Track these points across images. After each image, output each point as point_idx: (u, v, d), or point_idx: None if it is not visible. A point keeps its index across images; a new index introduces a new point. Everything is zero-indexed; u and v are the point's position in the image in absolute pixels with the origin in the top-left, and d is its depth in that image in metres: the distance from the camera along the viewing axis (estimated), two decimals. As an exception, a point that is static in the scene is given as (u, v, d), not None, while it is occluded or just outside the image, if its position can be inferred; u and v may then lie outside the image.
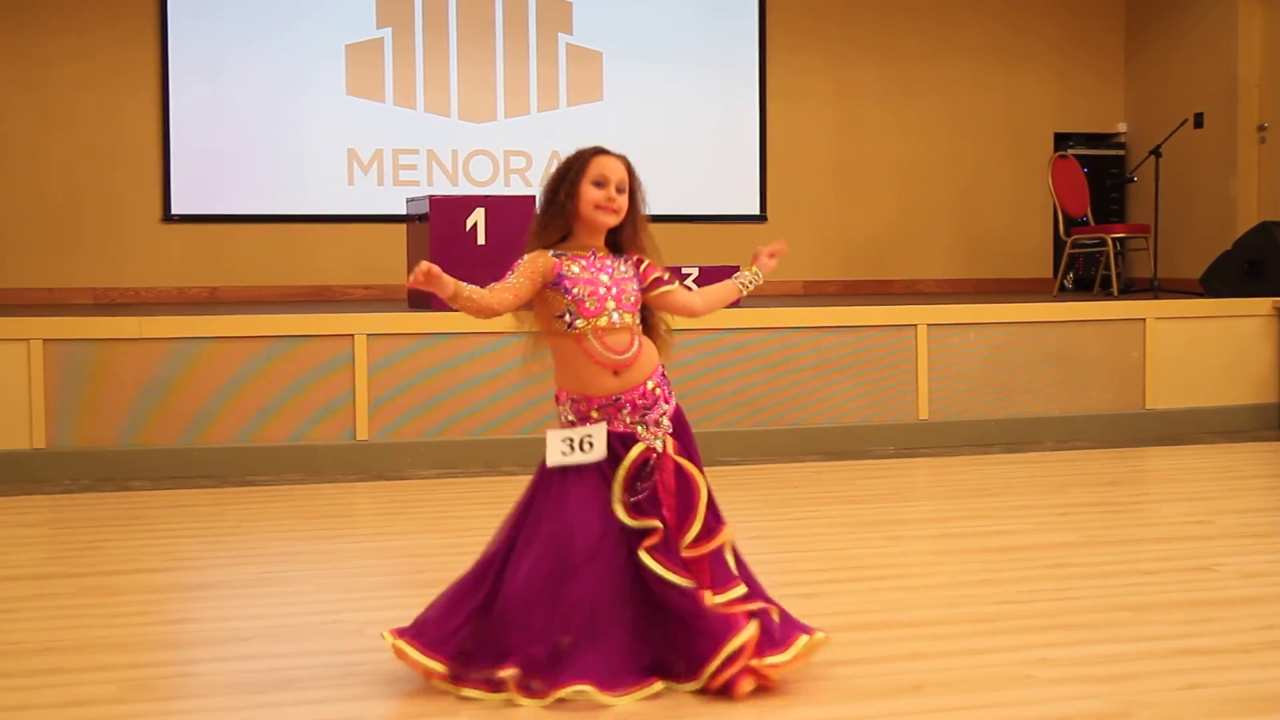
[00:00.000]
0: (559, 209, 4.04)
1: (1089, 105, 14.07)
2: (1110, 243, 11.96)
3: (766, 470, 8.23)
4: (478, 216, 8.81)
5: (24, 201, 11.42)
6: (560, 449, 3.96)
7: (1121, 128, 14.09)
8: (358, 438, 8.28)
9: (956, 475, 8.17)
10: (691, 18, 12.95)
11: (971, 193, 13.75)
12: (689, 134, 12.78)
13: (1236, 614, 4.79)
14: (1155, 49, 13.80)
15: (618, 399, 4.02)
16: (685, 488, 4.02)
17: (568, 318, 3.99)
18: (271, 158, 11.95)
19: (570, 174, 4.04)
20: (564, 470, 3.98)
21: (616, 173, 4.05)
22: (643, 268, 4.12)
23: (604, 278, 4.03)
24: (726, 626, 3.88)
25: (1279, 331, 9.96)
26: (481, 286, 3.99)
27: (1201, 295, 10.93)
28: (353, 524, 7.05)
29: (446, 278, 3.93)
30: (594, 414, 4.02)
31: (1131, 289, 12.46)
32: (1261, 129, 12.79)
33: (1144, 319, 9.70)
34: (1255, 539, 6.14)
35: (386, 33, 12.22)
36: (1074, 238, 12.19)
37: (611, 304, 4.02)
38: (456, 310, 4.01)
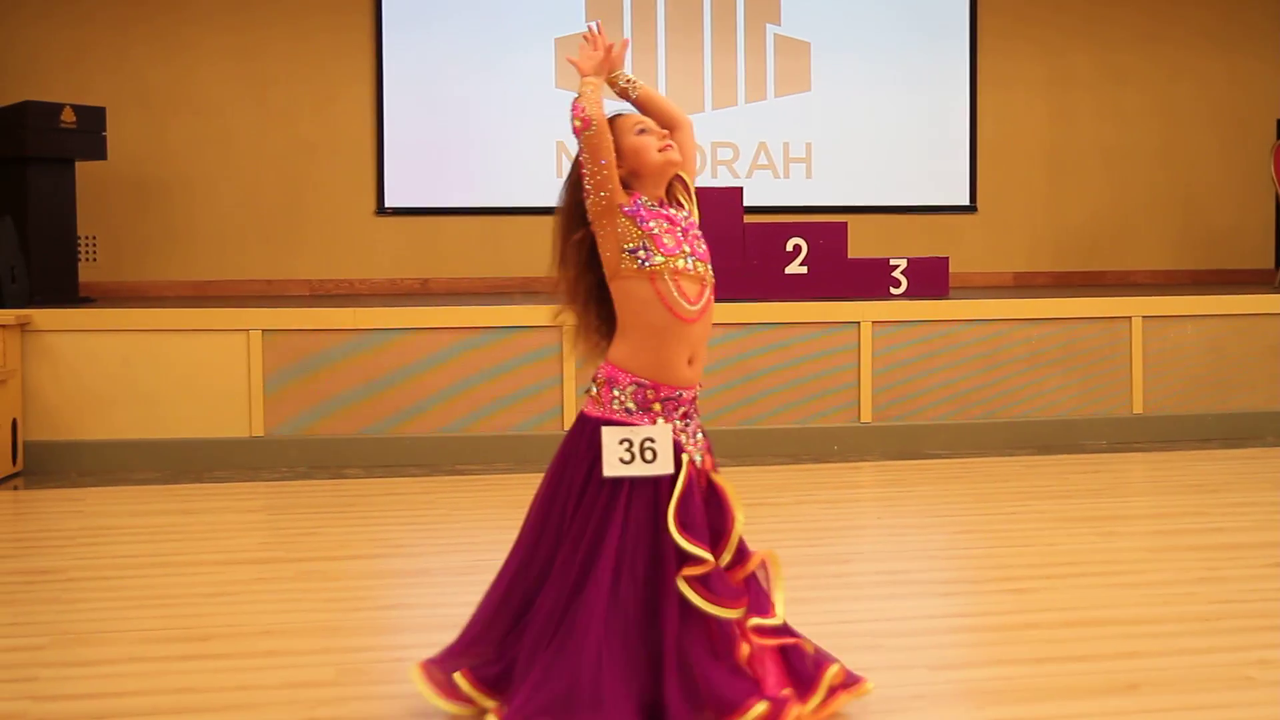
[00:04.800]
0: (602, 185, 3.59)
1: (1314, 90, 13.65)
2: (1336, 232, 11.61)
3: (976, 464, 8.13)
4: (685, 208, 8.82)
5: (245, 196, 11.72)
6: (618, 454, 3.53)
7: (1348, 113, 13.65)
8: (566, 428, 8.34)
9: (1172, 470, 7.99)
10: (901, 6, 12.82)
11: (1188, 181, 13.41)
12: (898, 124, 12.64)
13: None
14: (1385, 31, 13.33)
15: (680, 393, 3.64)
16: (720, 510, 3.65)
17: (642, 254, 3.58)
18: (481, 151, 12.10)
19: (603, 150, 3.58)
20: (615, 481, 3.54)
21: (646, 120, 3.74)
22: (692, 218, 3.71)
23: (676, 225, 3.67)
24: (743, 693, 3.48)
25: None
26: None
27: None
28: (561, 513, 7.10)
29: (601, 72, 3.75)
30: (656, 405, 3.63)
31: (1358, 279, 12.08)
32: None
33: (1371, 311, 9.40)
34: None
35: (594, 25, 12.28)
36: (1297, 227, 11.85)
37: (687, 248, 3.62)
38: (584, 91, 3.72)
